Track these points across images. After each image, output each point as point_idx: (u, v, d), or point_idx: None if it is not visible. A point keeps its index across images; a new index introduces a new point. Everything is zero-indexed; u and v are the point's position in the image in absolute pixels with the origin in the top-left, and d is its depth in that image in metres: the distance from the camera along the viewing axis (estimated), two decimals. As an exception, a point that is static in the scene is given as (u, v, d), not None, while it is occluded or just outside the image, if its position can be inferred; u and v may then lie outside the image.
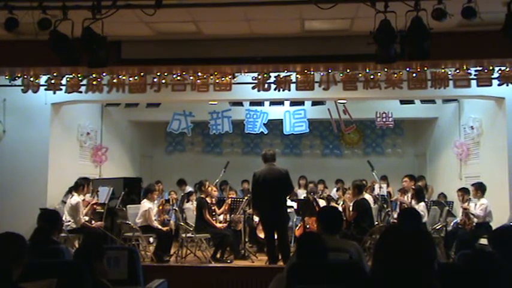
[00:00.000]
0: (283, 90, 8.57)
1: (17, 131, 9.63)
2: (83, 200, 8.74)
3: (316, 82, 8.50)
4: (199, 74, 8.63)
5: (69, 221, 8.27)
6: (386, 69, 8.23)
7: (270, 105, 11.17)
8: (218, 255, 8.56)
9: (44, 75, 8.82)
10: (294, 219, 9.53)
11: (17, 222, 7.78)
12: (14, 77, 8.74)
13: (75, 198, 8.40)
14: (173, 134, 12.53)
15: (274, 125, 12.87)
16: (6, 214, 9.08)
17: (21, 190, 9.36)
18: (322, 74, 8.46)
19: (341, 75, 8.47)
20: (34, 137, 9.57)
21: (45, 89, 8.90)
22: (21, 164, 9.50)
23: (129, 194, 9.77)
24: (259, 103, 11.01)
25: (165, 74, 8.65)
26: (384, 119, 11.03)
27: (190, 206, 9.90)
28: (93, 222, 8.62)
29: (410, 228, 2.17)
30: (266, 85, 8.57)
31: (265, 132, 11.65)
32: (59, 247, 4.71)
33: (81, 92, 8.90)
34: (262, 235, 8.70)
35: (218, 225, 8.85)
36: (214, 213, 8.99)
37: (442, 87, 8.38)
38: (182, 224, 9.04)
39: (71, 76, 8.78)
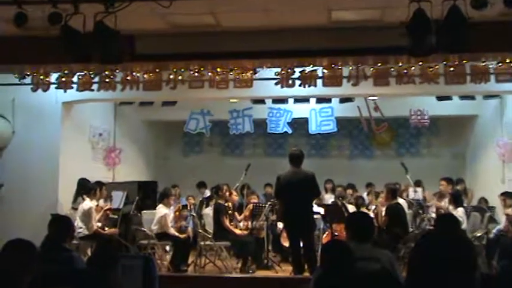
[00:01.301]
0: (308, 86, 8.55)
1: (26, 132, 9.80)
2: (96, 205, 8.84)
3: (345, 77, 8.46)
4: (218, 69, 8.65)
5: (81, 227, 8.37)
6: (421, 63, 8.16)
7: (294, 102, 11.15)
8: (239, 265, 8.58)
9: (54, 72, 8.96)
10: (321, 226, 9.51)
11: (27, 228, 7.91)
12: (24, 75, 8.89)
13: (88, 204, 8.51)
14: (190, 134, 12.55)
15: (299, 124, 12.81)
16: (16, 219, 9.23)
17: (31, 194, 9.50)
18: (350, 68, 8.42)
19: (371, 69, 8.42)
20: (44, 138, 9.72)
21: (56, 88, 9.03)
22: (30, 167, 9.65)
23: (144, 198, 9.86)
24: (283, 100, 11.00)
25: (182, 70, 8.70)
26: (419, 117, 10.92)
27: (209, 212, 9.93)
28: (106, 228, 8.72)
29: (448, 236, 2.15)
30: (290, 81, 8.56)
31: (290, 132, 11.61)
32: (71, 255, 4.76)
33: (93, 90, 9.01)
34: (286, 243, 8.69)
35: (238, 232, 8.87)
36: (234, 220, 9.02)
37: (482, 82, 8.26)
38: (200, 231, 9.09)
39: (82, 73, 8.90)
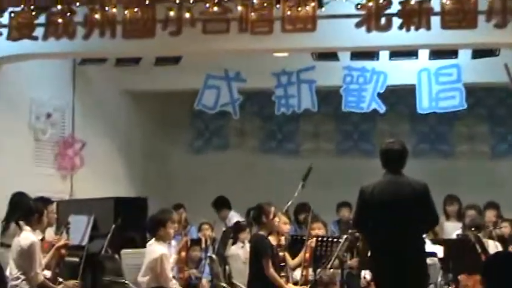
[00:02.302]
0: (416, 30, 8.56)
1: None
2: (42, 239, 8.96)
3: (481, 13, 8.41)
4: None
5: (19, 277, 8.50)
6: None
7: (390, 58, 11.13)
8: None
9: (-31, 8, 9.18)
10: (438, 279, 9.46)
11: None
12: None
13: (28, 237, 8.61)
14: (206, 115, 12.67)
15: (399, 97, 12.79)
16: None
17: None
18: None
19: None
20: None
21: (-28, 35, 9.23)
22: None
23: (125, 228, 9.96)
24: (370, 55, 10.97)
25: (190, 1, 8.76)
26: None
27: (240, 252, 9.97)
28: (59, 279, 8.84)
29: None
30: (383, 19, 8.59)
31: (381, 111, 11.62)
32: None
33: (36, 38, 9.13)
34: (376, 307, 8.68)
35: (291, 287, 8.90)
36: (284, 266, 9.04)
37: None
38: (224, 285, 9.13)
39: (18, 10, 9.04)
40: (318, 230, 10.07)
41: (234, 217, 11.90)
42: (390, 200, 7.67)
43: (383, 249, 7.78)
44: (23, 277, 8.50)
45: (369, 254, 8.41)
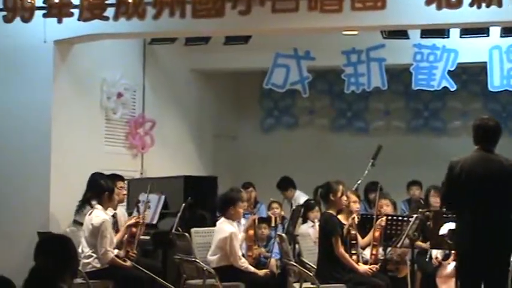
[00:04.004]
0: (487, 6, 8.41)
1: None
2: (113, 215, 9.02)
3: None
4: (325, -22, 8.67)
5: (91, 255, 8.58)
6: None
7: (460, 36, 10.97)
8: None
9: (40, -11, 9.24)
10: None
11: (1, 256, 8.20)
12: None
13: (99, 215, 8.67)
14: (275, 94, 12.61)
15: (470, 75, 12.58)
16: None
17: (5, 199, 9.79)
18: None
19: None
20: (25, 103, 9.94)
21: (44, 16, 9.26)
22: (3, 153, 9.96)
23: (196, 207, 9.97)
24: (440, 32, 10.83)
25: (259, -20, 8.76)
26: None
27: (310, 231, 9.92)
28: (131, 255, 8.88)
29: None
30: (453, -3, 8.47)
31: (452, 89, 11.49)
32: (73, 303, 4.90)
33: (107, 18, 9.18)
34: (449, 288, 8.59)
35: (361, 267, 8.82)
36: (354, 244, 8.98)
37: None
38: (293, 264, 9.10)
39: (88, -9, 9.11)
40: (386, 206, 9.98)
41: (301, 196, 11.89)
42: (479, 176, 7.48)
43: (473, 227, 7.64)
44: (94, 255, 8.60)
45: (440, 233, 8.32)
